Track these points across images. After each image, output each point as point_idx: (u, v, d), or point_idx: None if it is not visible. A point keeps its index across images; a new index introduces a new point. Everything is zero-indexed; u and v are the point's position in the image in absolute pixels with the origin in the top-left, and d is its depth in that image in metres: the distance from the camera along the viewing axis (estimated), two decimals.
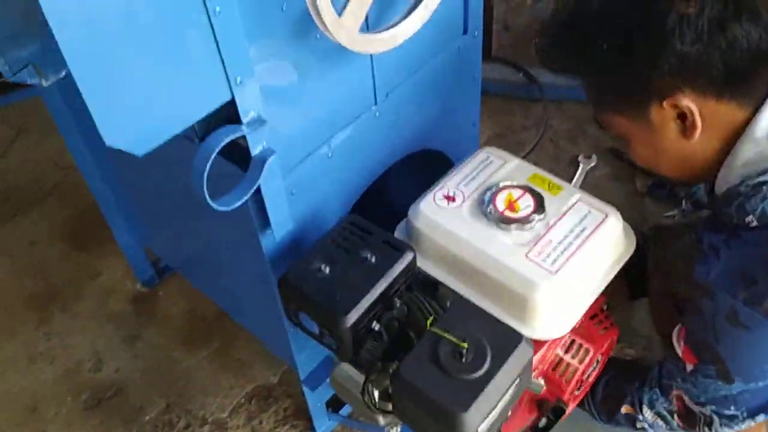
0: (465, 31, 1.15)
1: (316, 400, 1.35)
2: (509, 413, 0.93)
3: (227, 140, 0.78)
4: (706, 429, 1.02)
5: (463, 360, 0.84)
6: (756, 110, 0.86)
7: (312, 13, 0.78)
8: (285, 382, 1.56)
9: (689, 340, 0.99)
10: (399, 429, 1.06)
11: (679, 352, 1.00)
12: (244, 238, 1.02)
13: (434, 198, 1.03)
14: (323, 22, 0.79)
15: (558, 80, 2.10)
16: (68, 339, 1.66)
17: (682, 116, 0.88)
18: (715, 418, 1.00)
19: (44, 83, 0.82)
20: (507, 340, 0.86)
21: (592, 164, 1.93)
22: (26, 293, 1.77)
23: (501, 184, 1.02)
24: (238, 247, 1.12)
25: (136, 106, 0.69)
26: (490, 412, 0.83)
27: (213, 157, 0.77)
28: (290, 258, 1.04)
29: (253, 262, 1.06)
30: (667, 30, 0.83)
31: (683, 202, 1.23)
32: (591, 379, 1.12)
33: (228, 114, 0.80)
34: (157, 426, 1.50)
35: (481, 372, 0.83)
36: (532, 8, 2.11)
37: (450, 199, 1.02)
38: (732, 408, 0.98)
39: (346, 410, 1.45)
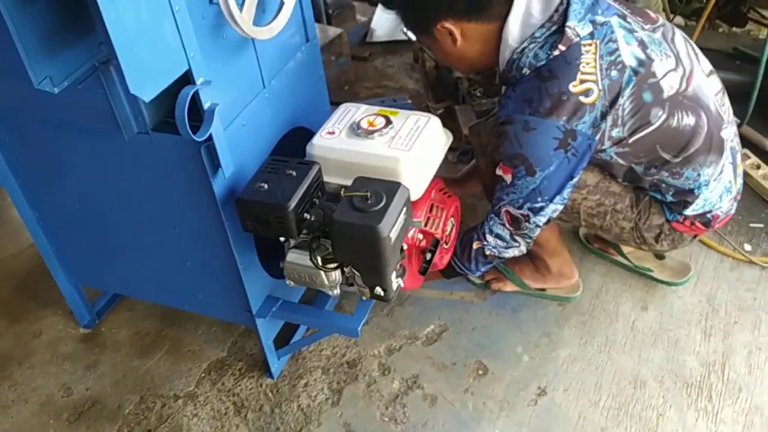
0: (307, 40, 1.71)
1: (267, 334, 1.74)
2: (405, 248, 1.44)
3: (193, 91, 1.24)
4: (527, 224, 1.58)
5: (369, 201, 1.34)
6: (499, 22, 1.49)
7: (225, 13, 1.29)
8: (232, 352, 1.93)
9: (504, 159, 1.52)
10: (337, 291, 1.52)
11: (501, 173, 1.54)
12: (198, 192, 1.45)
13: (321, 135, 1.54)
14: (233, 18, 1.30)
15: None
16: (33, 383, 1.91)
17: (451, 33, 1.49)
18: (530, 213, 1.56)
19: (56, 90, 1.23)
20: (392, 187, 1.38)
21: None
22: None
23: (361, 116, 1.56)
24: (189, 209, 1.53)
25: (146, 67, 1.15)
26: (394, 224, 1.33)
27: (188, 99, 1.23)
28: (232, 198, 1.48)
29: (205, 213, 1.48)
30: None
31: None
32: (453, 236, 1.65)
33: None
34: (138, 414, 1.79)
35: (382, 203, 1.33)
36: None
37: (331, 133, 1.54)
38: (539, 199, 1.53)
39: (289, 349, 1.85)
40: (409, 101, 2.78)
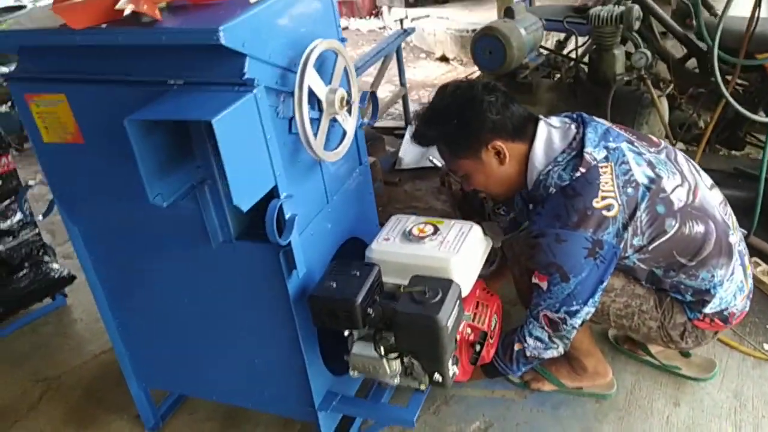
0: (360, 163, 1.97)
1: (327, 427, 1.88)
2: (459, 337, 1.62)
3: (280, 203, 1.48)
4: (564, 326, 1.75)
5: (426, 295, 1.53)
6: (531, 143, 1.75)
7: (302, 140, 1.55)
8: None
9: (539, 268, 1.72)
10: (397, 380, 1.67)
11: (537, 281, 1.74)
12: (273, 295, 1.65)
13: (378, 241, 1.76)
14: (309, 143, 1.56)
15: None
16: None
17: (498, 153, 1.74)
18: (566, 316, 1.74)
19: (164, 204, 1.47)
20: (446, 283, 1.58)
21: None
22: None
23: (411, 225, 1.79)
24: (263, 310, 1.73)
25: (246, 184, 1.39)
26: (450, 314, 1.52)
27: (276, 209, 1.46)
28: (303, 297, 1.68)
29: (278, 312, 1.68)
30: (483, 109, 1.72)
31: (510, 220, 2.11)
32: (497, 331, 1.83)
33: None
34: None
35: (438, 297, 1.53)
36: None
37: (387, 239, 1.77)
38: (574, 303, 1.72)
39: None
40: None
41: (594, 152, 1.69)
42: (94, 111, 1.57)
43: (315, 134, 1.58)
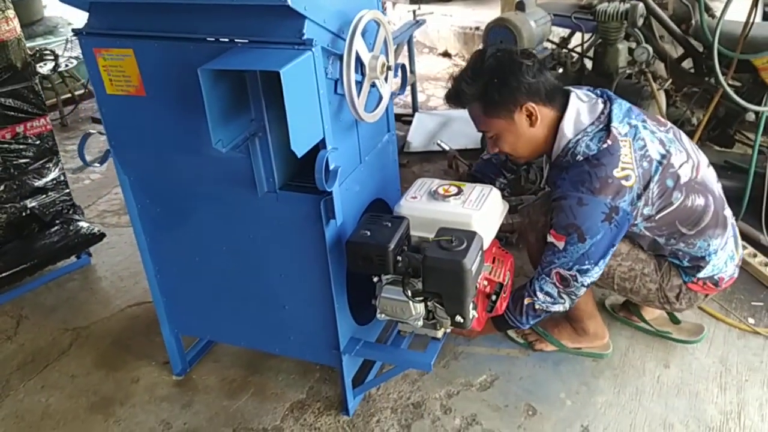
0: (388, 130, 2.14)
1: (349, 370, 2.04)
2: (477, 287, 1.79)
3: (327, 154, 1.65)
4: (574, 283, 1.93)
5: (453, 244, 1.71)
6: (560, 111, 1.92)
7: (348, 100, 1.72)
8: (311, 395, 2.21)
9: (558, 228, 1.88)
10: (420, 323, 1.84)
11: (554, 240, 1.91)
12: (311, 243, 1.82)
13: (406, 199, 1.93)
14: (355, 108, 1.73)
15: None
16: (136, 419, 2.17)
17: (530, 115, 1.91)
18: (577, 274, 1.92)
19: (224, 150, 1.63)
20: (470, 234, 1.75)
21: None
22: (85, 405, 2.25)
23: (437, 186, 1.96)
24: (302, 257, 1.89)
25: (302, 132, 1.56)
26: (474, 261, 1.69)
27: (325, 159, 1.63)
28: (337, 246, 1.84)
29: (313, 258, 1.84)
30: (522, 71, 1.88)
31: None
32: (509, 286, 2.00)
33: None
34: None
35: (464, 245, 1.70)
36: None
37: (414, 198, 1.93)
38: (586, 262, 1.89)
39: (364, 387, 2.14)
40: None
41: (619, 126, 1.86)
42: (159, 66, 1.72)
43: (358, 95, 1.75)
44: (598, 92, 2.00)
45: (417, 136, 3.83)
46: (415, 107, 4.26)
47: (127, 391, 2.29)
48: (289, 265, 1.94)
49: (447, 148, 3.58)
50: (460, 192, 1.92)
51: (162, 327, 2.24)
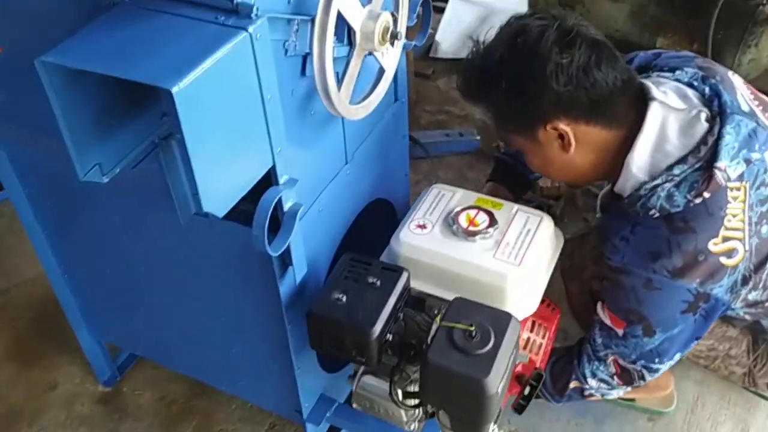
0: (396, 99, 1.43)
1: None
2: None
3: (278, 197, 0.99)
4: (639, 380, 1.33)
5: (474, 340, 1.08)
6: (626, 131, 1.21)
7: (322, 95, 1.02)
8: None
9: (615, 310, 1.28)
10: (415, 426, 1.26)
11: (608, 322, 1.30)
12: (259, 288, 1.20)
13: (409, 228, 1.27)
14: (331, 101, 1.03)
15: (436, 138, 2.48)
16: None
17: (561, 136, 1.21)
18: (644, 371, 1.31)
19: (105, 180, 0.98)
20: (501, 320, 1.11)
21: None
22: None
23: (458, 208, 1.29)
24: (246, 302, 1.29)
25: (222, 178, 0.89)
26: (503, 376, 1.07)
27: (272, 206, 0.97)
28: (299, 299, 1.23)
29: (264, 310, 1.24)
30: (547, 74, 1.16)
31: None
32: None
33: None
34: None
35: (489, 346, 1.07)
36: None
37: (422, 227, 1.27)
38: (656, 360, 1.28)
39: None
40: (477, 137, 2.51)
41: (729, 168, 1.13)
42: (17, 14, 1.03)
43: (339, 82, 1.05)
44: (705, 88, 1.22)
45: (449, 35, 3.03)
46: None
47: (39, 403, 1.78)
48: (233, 309, 1.34)
49: None
50: (492, 223, 1.26)
51: (78, 333, 1.68)
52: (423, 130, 2.60)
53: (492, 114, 1.30)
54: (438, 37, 3.06)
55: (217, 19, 0.86)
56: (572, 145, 1.22)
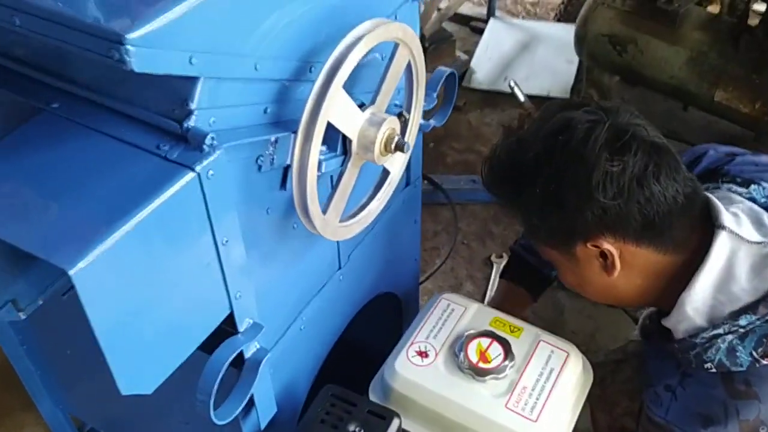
0: (407, 184, 1.22)
1: None
2: None
3: (234, 355, 0.78)
4: None
5: None
6: (681, 255, 0.99)
7: (302, 217, 0.82)
8: None
9: None
10: None
11: None
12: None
13: (407, 355, 1.06)
14: (313, 225, 0.82)
15: (461, 184, 2.26)
16: None
17: (604, 255, 0.98)
18: None
19: (22, 316, 0.79)
20: None
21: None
22: None
23: (467, 334, 1.08)
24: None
25: (151, 352, 0.69)
26: None
27: (225, 367, 0.77)
28: None
29: None
30: (593, 184, 0.93)
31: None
32: None
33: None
34: None
35: None
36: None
37: (423, 355, 1.06)
38: None
39: None
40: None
41: None
42: None
43: (325, 207, 0.84)
44: None
45: (485, 62, 2.77)
46: (491, 9, 3.10)
47: None
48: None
49: (522, 98, 2.56)
50: (507, 357, 1.04)
51: (39, 404, 1.50)
52: (447, 172, 2.37)
53: (521, 221, 1.08)
54: (473, 64, 2.81)
55: (160, 149, 0.66)
56: (616, 268, 1.00)
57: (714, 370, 0.95)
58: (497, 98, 2.72)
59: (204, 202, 0.67)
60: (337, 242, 1.05)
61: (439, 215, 2.19)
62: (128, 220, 0.59)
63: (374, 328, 1.27)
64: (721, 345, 0.93)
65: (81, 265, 0.56)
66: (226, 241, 0.72)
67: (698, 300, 0.97)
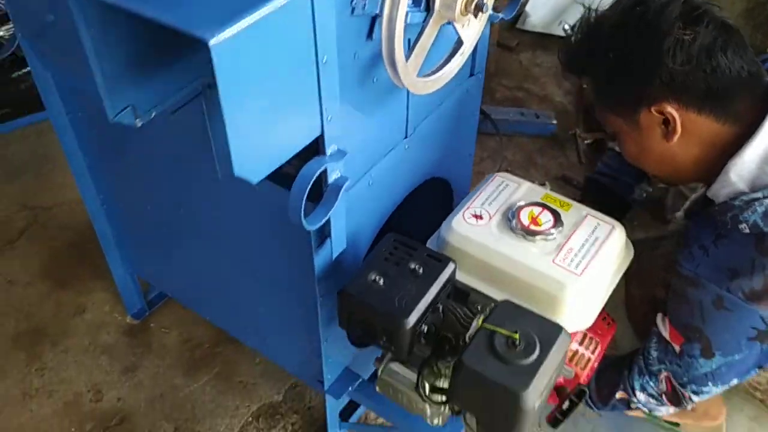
0: (472, 74, 1.31)
1: (334, 408, 1.44)
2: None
3: (320, 170, 0.89)
4: (685, 402, 1.23)
5: (517, 348, 0.98)
6: (737, 127, 1.07)
7: (387, 63, 0.92)
8: (289, 398, 1.63)
9: (676, 323, 1.17)
10: (438, 422, 1.18)
11: (667, 335, 1.18)
12: (294, 256, 1.12)
13: (464, 217, 1.17)
14: (396, 71, 0.92)
15: (509, 116, 2.34)
16: (63, 373, 1.67)
17: (666, 122, 1.08)
18: (692, 395, 1.20)
19: (138, 124, 0.90)
20: (550, 330, 1.00)
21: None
22: (11, 333, 1.75)
23: (521, 203, 1.17)
24: (279, 265, 1.21)
25: (260, 142, 0.80)
26: (543, 392, 0.97)
27: (314, 178, 0.88)
28: (334, 274, 1.14)
29: (298, 279, 1.16)
30: (663, 50, 1.02)
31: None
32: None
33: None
34: None
35: (533, 357, 0.97)
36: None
37: (478, 217, 1.17)
38: (709, 383, 1.17)
39: (355, 418, 1.55)
40: (554, 121, 2.35)
41: None
42: None
43: (409, 51, 0.94)
44: None
45: (540, 7, 2.83)
46: None
47: (66, 326, 1.77)
48: (265, 270, 1.27)
49: None
50: (557, 224, 1.14)
51: (111, 264, 1.65)
52: (496, 105, 2.45)
53: (592, 88, 1.18)
54: (528, 7, 2.87)
55: None
56: (677, 133, 1.09)
57: (747, 230, 1.04)
58: (550, 41, 2.78)
59: (312, 14, 0.77)
60: (407, 109, 1.15)
61: (486, 144, 2.28)
62: (257, 10, 0.70)
63: (427, 209, 1.38)
64: (758, 208, 1.02)
65: (220, 37, 0.66)
66: (326, 60, 0.82)
67: (744, 167, 1.06)
